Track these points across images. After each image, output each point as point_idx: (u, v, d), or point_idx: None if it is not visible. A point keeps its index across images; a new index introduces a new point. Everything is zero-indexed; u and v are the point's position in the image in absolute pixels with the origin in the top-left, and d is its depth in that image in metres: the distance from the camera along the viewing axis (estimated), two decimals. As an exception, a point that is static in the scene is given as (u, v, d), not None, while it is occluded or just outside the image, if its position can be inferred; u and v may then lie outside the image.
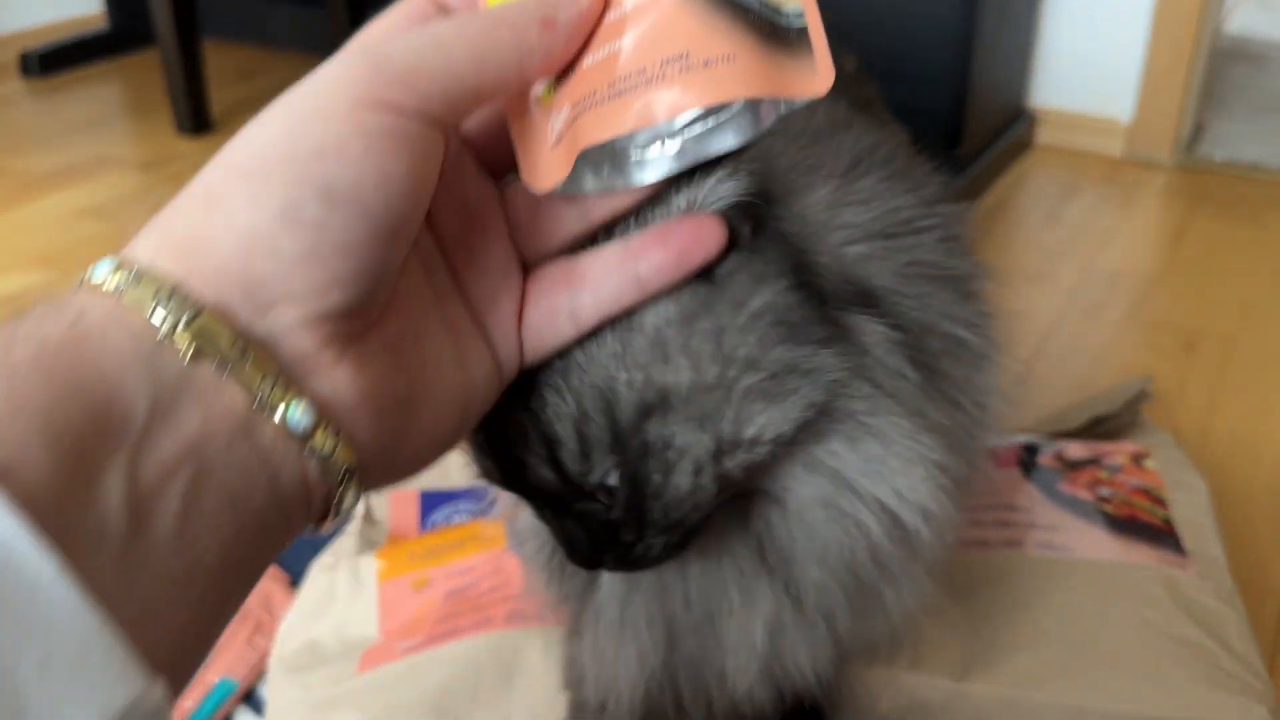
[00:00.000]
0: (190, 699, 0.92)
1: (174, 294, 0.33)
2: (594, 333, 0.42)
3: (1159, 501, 0.97)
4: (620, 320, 0.42)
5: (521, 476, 0.46)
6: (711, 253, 0.40)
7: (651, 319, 0.42)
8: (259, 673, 0.96)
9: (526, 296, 0.42)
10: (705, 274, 0.42)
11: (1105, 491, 0.98)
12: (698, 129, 0.36)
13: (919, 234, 0.52)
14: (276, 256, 0.34)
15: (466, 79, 0.36)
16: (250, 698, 0.94)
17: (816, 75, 0.36)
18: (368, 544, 1.00)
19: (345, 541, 0.99)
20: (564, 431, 0.44)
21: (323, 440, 0.35)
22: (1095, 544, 0.90)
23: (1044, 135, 2.20)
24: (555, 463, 0.45)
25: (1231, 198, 1.98)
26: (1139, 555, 0.89)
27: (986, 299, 0.58)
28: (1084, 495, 0.97)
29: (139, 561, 0.31)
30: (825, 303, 0.45)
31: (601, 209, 0.41)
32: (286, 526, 0.35)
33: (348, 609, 0.89)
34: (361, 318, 0.36)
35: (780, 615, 0.53)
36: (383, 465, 0.37)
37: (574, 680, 0.68)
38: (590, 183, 0.38)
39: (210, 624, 0.34)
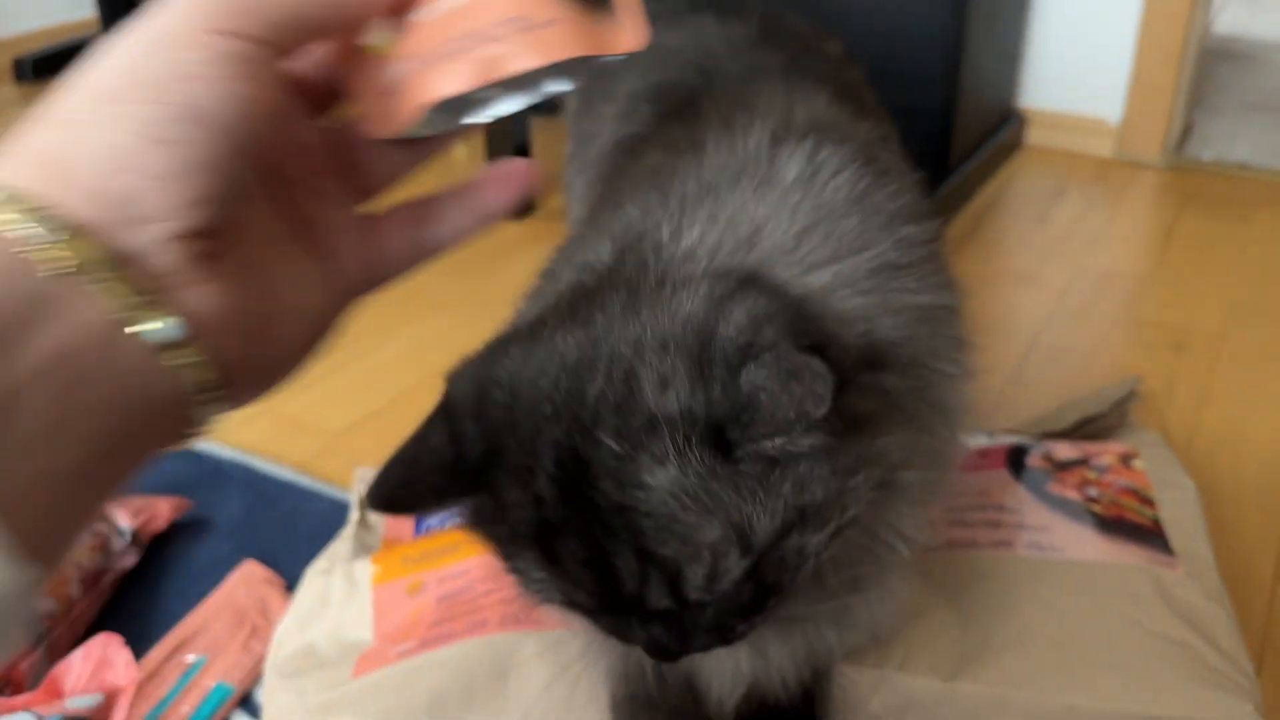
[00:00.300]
0: (188, 704, 0.93)
1: (42, 211, 0.35)
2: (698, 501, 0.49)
3: (1147, 501, 0.98)
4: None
5: (624, 603, 0.51)
6: (527, 189, 0.46)
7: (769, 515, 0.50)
8: (255, 677, 0.96)
9: (378, 229, 0.46)
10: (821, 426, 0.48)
11: (1093, 492, 0.98)
12: (532, 80, 0.42)
13: (902, 275, 0.58)
14: (143, 174, 0.36)
15: (305, 10, 0.39)
16: (247, 702, 0.95)
17: (629, 34, 0.42)
18: (363, 549, 1.00)
19: (340, 546, 1.00)
20: (691, 572, 0.49)
21: (189, 354, 0.37)
22: (1084, 544, 0.91)
23: (1034, 136, 2.21)
24: (676, 593, 0.50)
25: (1220, 197, 1.99)
26: (1127, 555, 0.90)
27: (964, 323, 0.64)
28: (1072, 496, 0.98)
29: (5, 455, 0.33)
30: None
31: (432, 148, 0.46)
32: (154, 436, 0.37)
33: (342, 613, 0.89)
34: (223, 237, 0.38)
35: (764, 636, 0.55)
36: (244, 380, 0.39)
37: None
38: (429, 128, 0.43)
39: (74, 522, 0.36)
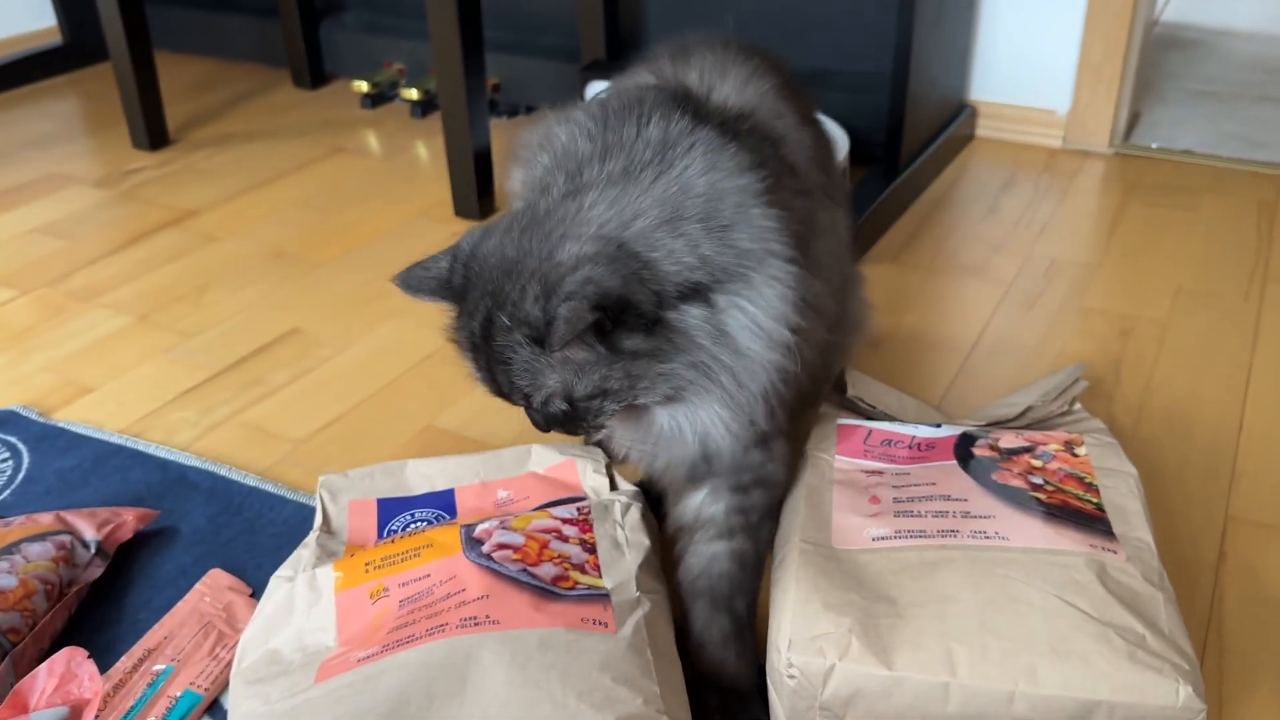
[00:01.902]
0: (154, 713, 0.95)
1: None
2: (535, 368, 0.88)
3: (1090, 488, 1.00)
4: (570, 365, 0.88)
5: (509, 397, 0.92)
6: None
7: (582, 385, 0.89)
8: (222, 684, 0.98)
9: None
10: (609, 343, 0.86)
11: (1038, 479, 1.01)
12: None
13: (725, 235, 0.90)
14: None
15: None
16: (214, 709, 0.97)
17: None
18: (326, 554, 1.02)
19: (303, 553, 1.02)
20: (534, 398, 0.90)
21: None
22: (1028, 532, 0.94)
23: (984, 128, 2.25)
24: (527, 403, 0.91)
25: (1166, 185, 2.03)
26: (1070, 542, 0.92)
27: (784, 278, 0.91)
28: (1018, 484, 1.00)
29: None
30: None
31: None
32: None
33: (306, 620, 0.91)
34: None
35: (623, 427, 0.99)
36: None
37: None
38: None
39: None
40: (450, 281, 0.92)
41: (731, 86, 1.05)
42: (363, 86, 2.46)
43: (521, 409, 0.94)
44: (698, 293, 0.87)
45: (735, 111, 1.01)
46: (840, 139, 1.87)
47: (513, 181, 1.03)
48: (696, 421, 0.93)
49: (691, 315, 0.87)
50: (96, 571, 1.09)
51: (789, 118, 1.06)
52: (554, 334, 0.83)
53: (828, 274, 1.01)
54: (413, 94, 2.40)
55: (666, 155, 0.91)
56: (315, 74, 2.60)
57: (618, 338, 0.85)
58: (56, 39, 2.74)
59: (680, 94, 1.01)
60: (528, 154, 1.01)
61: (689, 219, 0.87)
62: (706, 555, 0.99)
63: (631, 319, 0.85)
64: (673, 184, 0.89)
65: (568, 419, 0.92)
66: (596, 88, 1.95)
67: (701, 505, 1.00)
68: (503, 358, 0.88)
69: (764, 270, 0.89)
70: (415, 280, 0.94)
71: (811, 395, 1.16)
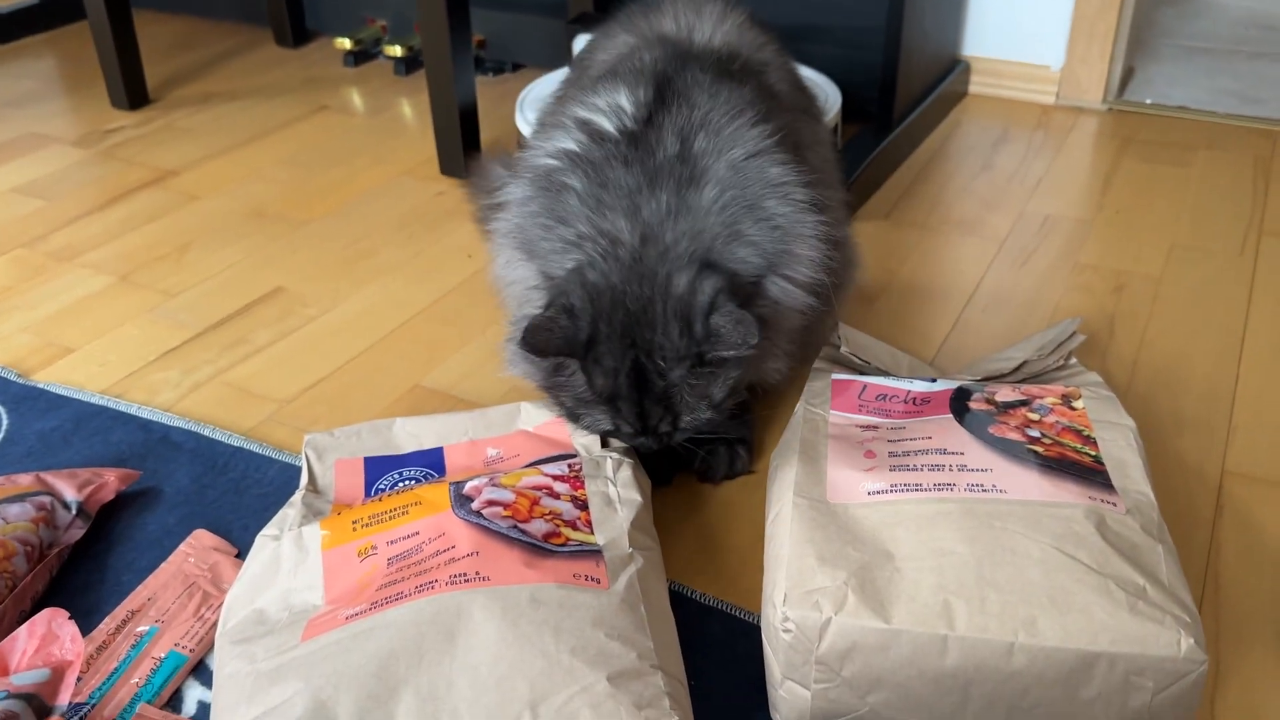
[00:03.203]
0: (139, 674, 0.93)
1: None
2: (694, 388, 1.00)
3: (1088, 440, 0.99)
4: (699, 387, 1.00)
5: (646, 430, 1.02)
6: None
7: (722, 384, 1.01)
8: (208, 645, 0.96)
9: None
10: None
11: (1035, 433, 1.00)
12: None
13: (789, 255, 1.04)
14: None
15: None
16: (199, 670, 0.95)
17: None
18: (313, 513, 1.00)
19: (289, 512, 1.00)
20: (686, 418, 1.01)
21: None
22: (1026, 485, 0.92)
23: (977, 84, 2.22)
24: (675, 424, 1.02)
25: (1160, 140, 2.01)
26: (1069, 494, 0.91)
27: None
28: (1014, 437, 0.99)
29: None
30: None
31: None
32: None
33: (292, 579, 0.89)
34: None
35: None
36: None
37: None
38: None
39: None
40: (577, 337, 0.97)
41: (710, 25, 1.14)
42: (345, 44, 2.43)
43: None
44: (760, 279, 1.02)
45: (721, 50, 1.09)
46: (833, 94, 1.85)
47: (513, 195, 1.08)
48: (754, 373, 1.08)
49: (760, 300, 1.02)
50: (78, 533, 1.07)
51: (768, 48, 1.16)
52: (724, 342, 0.96)
53: (824, 178, 1.13)
54: (396, 51, 2.36)
55: (698, 165, 1.01)
56: (297, 31, 2.56)
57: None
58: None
59: (668, 50, 1.06)
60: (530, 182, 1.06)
61: (742, 220, 1.00)
62: None
63: None
64: (716, 195, 1.00)
65: (703, 428, 1.03)
66: (583, 41, 1.92)
67: None
68: (663, 394, 0.99)
69: (799, 237, 1.02)
70: (542, 342, 0.96)
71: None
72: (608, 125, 1.05)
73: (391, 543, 0.91)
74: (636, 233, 0.99)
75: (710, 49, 1.13)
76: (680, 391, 0.99)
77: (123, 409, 1.29)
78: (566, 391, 1.02)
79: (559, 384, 1.02)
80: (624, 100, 1.06)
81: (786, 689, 0.85)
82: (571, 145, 1.05)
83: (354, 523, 0.94)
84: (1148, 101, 2.15)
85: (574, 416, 1.04)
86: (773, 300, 1.03)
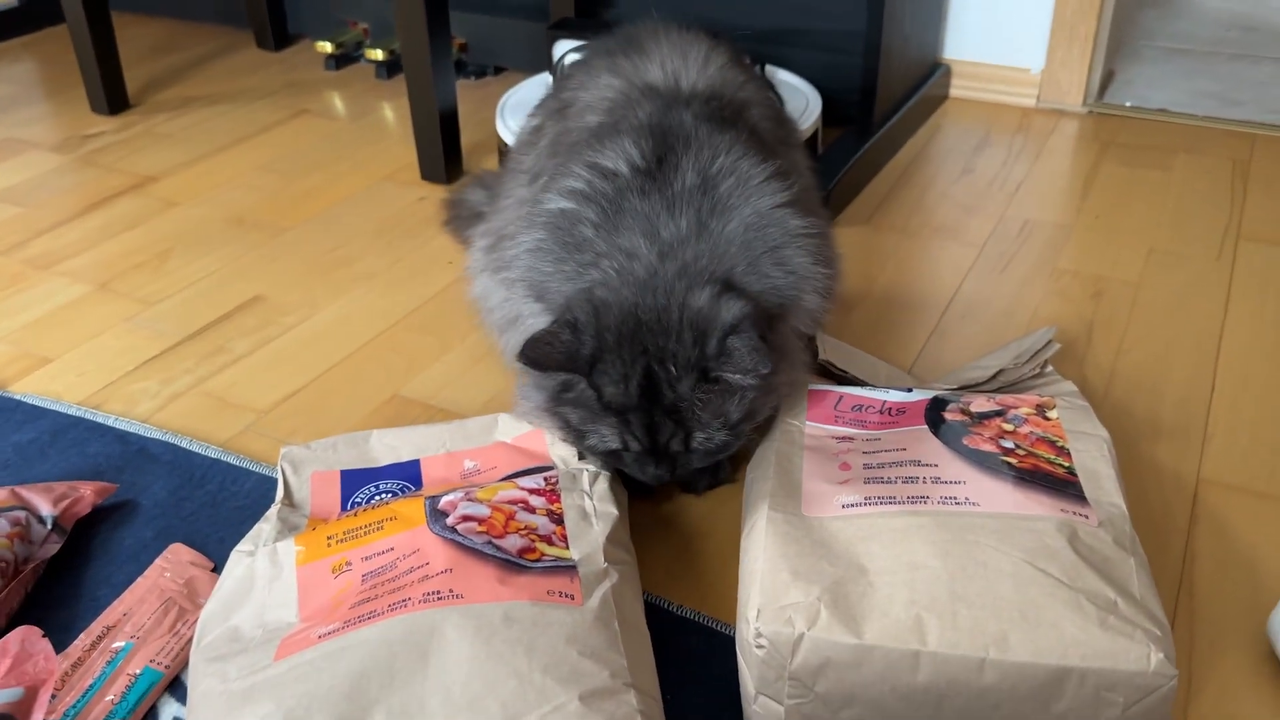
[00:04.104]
0: (114, 691, 0.93)
1: None
2: (706, 404, 0.98)
3: (1062, 451, 1.00)
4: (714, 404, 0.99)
5: (656, 450, 1.01)
6: None
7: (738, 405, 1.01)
8: (184, 661, 0.96)
9: None
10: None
11: (1009, 444, 1.00)
12: None
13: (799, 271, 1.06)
14: None
15: None
16: (174, 686, 0.95)
17: None
18: (288, 528, 1.00)
19: (264, 527, 1.00)
20: (699, 434, 1.00)
21: None
22: (999, 497, 0.93)
23: (958, 88, 2.23)
24: (686, 444, 1.01)
25: (1140, 143, 2.02)
26: (1041, 507, 0.92)
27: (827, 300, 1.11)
28: (989, 448, 0.99)
29: None
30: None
31: None
32: None
33: (267, 595, 0.89)
34: None
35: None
36: None
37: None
38: None
39: None
40: (580, 352, 0.97)
41: (695, 70, 1.18)
42: (327, 47, 2.42)
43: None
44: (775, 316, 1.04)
45: (705, 94, 1.10)
46: (812, 99, 1.85)
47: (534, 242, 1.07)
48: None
49: (777, 333, 1.04)
50: (53, 548, 1.07)
51: (748, 85, 1.19)
52: (734, 364, 0.96)
53: (810, 206, 1.16)
54: (378, 54, 2.36)
55: (723, 201, 1.03)
56: (278, 35, 2.55)
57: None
58: (12, 1, 2.67)
59: (661, 103, 1.13)
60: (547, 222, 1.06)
61: (764, 261, 1.03)
62: None
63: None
64: (740, 230, 1.02)
65: (718, 450, 1.03)
66: (565, 46, 1.92)
67: None
68: (673, 406, 0.98)
69: (810, 290, 1.06)
70: (543, 356, 0.96)
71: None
72: (620, 166, 1.06)
73: (366, 559, 0.91)
74: (654, 250, 1.00)
75: (696, 93, 1.15)
76: (691, 406, 0.98)
77: (100, 420, 1.29)
78: (574, 408, 1.01)
79: (566, 401, 1.01)
80: (631, 148, 1.07)
81: (760, 704, 0.86)
82: (582, 185, 1.05)
83: (329, 538, 0.94)
84: (1128, 104, 2.16)
85: (580, 435, 1.02)
86: (780, 341, 1.05)
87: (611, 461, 1.04)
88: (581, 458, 1.08)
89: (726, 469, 1.18)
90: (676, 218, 1.02)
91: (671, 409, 0.98)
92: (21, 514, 1.06)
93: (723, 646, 0.97)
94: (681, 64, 1.18)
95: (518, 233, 1.10)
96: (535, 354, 0.96)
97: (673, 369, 0.97)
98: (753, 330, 0.96)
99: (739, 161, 1.06)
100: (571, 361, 0.97)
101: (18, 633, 0.89)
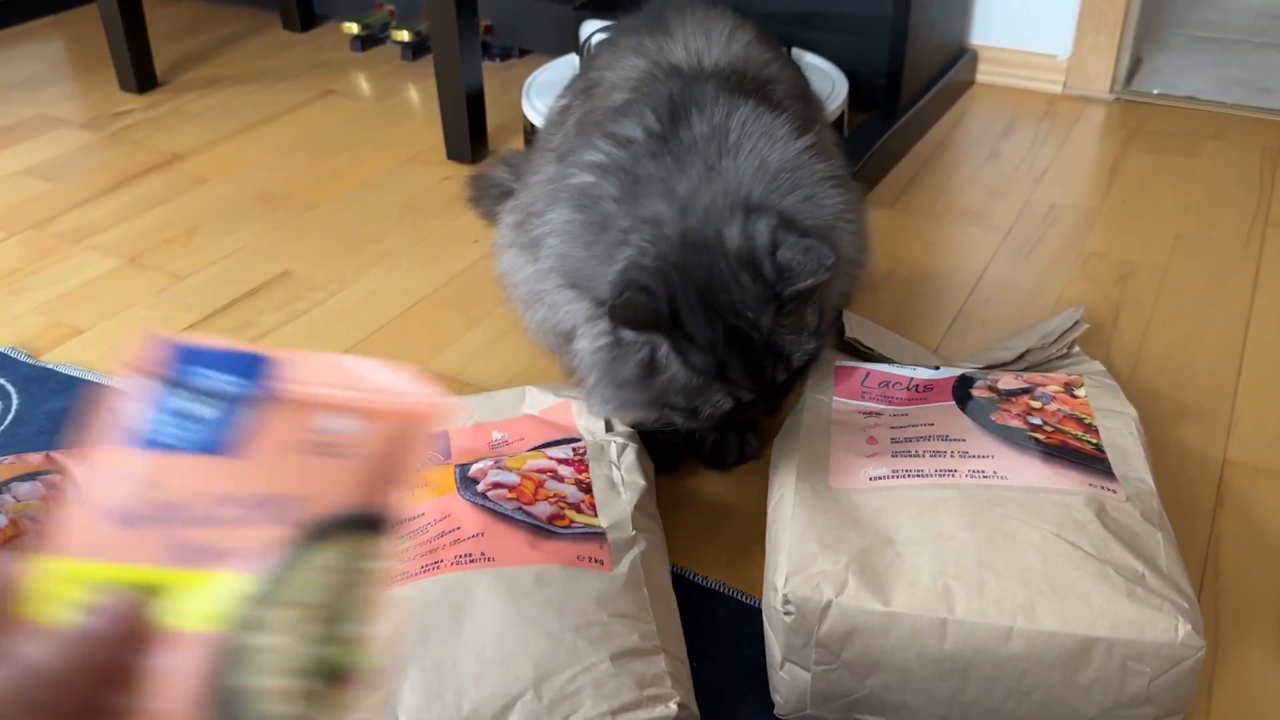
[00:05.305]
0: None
1: None
2: (791, 326, 0.98)
3: (1089, 428, 1.00)
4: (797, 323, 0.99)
5: (763, 387, 0.99)
6: None
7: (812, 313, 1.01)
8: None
9: None
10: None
11: (1037, 420, 1.00)
12: None
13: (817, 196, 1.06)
14: None
15: None
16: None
17: None
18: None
19: (296, 493, 1.01)
20: (796, 354, 0.99)
21: None
22: (1027, 471, 0.93)
23: (984, 73, 2.22)
24: (787, 368, 0.99)
25: (1167, 130, 2.01)
26: (1069, 481, 0.92)
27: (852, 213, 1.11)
28: (1016, 424, 1.00)
29: None
30: None
31: None
32: None
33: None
34: None
35: None
36: None
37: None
38: None
39: None
40: (661, 310, 0.95)
41: (719, 48, 1.17)
42: (353, 28, 2.43)
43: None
44: None
45: (728, 70, 1.10)
46: (839, 82, 1.85)
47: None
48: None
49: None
50: (87, 511, 1.08)
51: (773, 63, 1.18)
52: (798, 274, 0.95)
53: (840, 178, 1.14)
54: (404, 36, 2.36)
55: (733, 141, 1.03)
56: (305, 16, 2.56)
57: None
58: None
59: (683, 80, 1.13)
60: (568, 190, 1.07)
61: (790, 195, 1.02)
62: None
63: None
64: (757, 164, 1.02)
65: (810, 361, 1.02)
66: (591, 26, 1.92)
67: None
68: (765, 344, 0.97)
69: (845, 224, 1.07)
70: (632, 316, 0.95)
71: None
72: (635, 133, 1.06)
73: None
74: (675, 209, 0.99)
75: (719, 70, 1.15)
76: (780, 336, 0.97)
77: (131, 390, 1.30)
78: (673, 393, 0.99)
79: (661, 388, 0.99)
80: (648, 114, 1.07)
81: (787, 671, 0.86)
82: (600, 157, 1.06)
83: (360, 504, 0.95)
84: (1155, 91, 2.15)
85: (693, 414, 1.01)
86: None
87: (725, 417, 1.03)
88: (609, 429, 1.09)
89: (753, 444, 1.19)
90: (687, 170, 1.01)
91: (765, 346, 0.97)
92: (57, 478, 1.08)
93: (748, 617, 0.98)
94: (705, 42, 1.18)
95: (545, 209, 1.10)
96: (627, 313, 0.95)
97: (749, 315, 0.96)
98: (790, 235, 0.96)
99: (756, 111, 1.06)
100: (656, 319, 0.95)
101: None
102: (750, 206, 0.99)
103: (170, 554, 0.50)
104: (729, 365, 0.97)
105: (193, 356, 0.57)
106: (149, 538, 0.50)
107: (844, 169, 1.14)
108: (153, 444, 0.54)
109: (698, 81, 1.12)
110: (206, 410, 0.57)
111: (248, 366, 0.57)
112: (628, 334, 0.97)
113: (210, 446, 0.55)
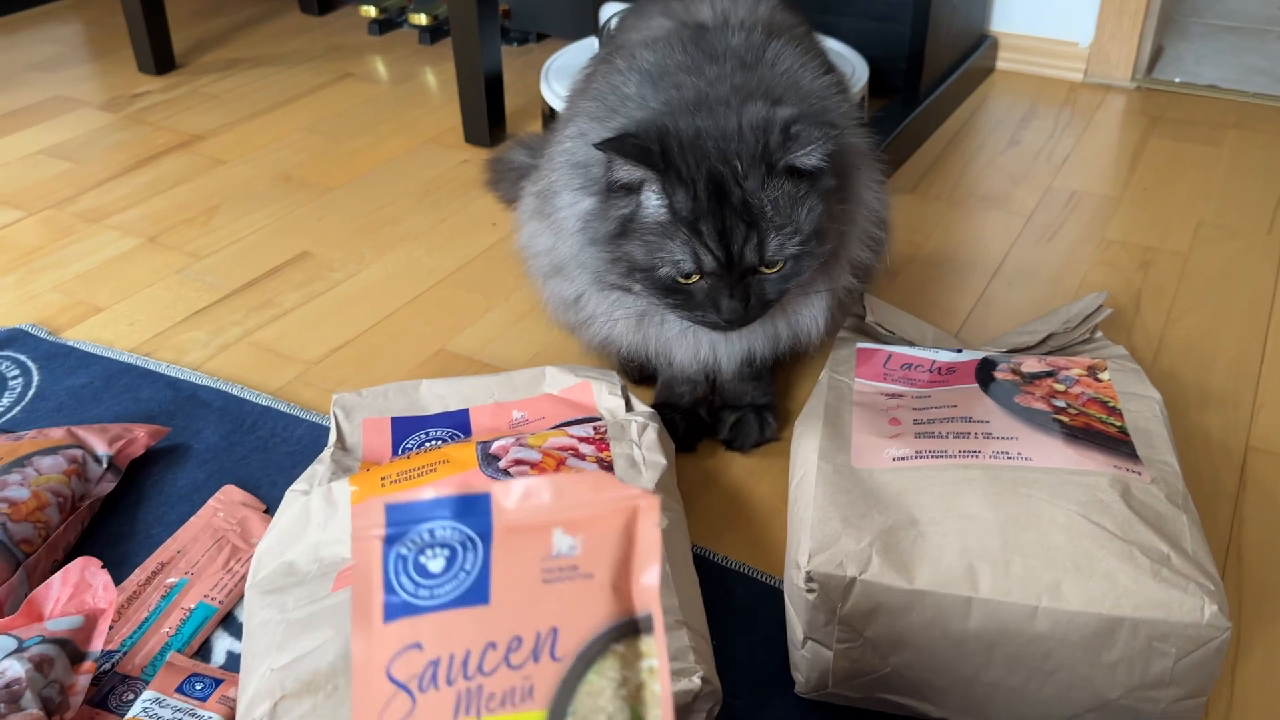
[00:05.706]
0: (169, 624, 0.94)
1: None
2: (777, 205, 0.96)
3: (1113, 411, 0.99)
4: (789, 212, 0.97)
5: (730, 264, 0.96)
6: None
7: (807, 215, 0.98)
8: (236, 597, 0.98)
9: None
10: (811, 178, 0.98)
11: (1061, 403, 1.00)
12: None
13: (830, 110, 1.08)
14: None
15: None
16: (228, 621, 0.96)
17: None
18: (341, 470, 1.01)
19: (318, 468, 1.01)
20: (772, 239, 0.96)
21: None
22: (1051, 453, 0.93)
23: (1005, 60, 2.21)
24: (760, 253, 0.96)
25: (1188, 118, 2.00)
26: (1094, 463, 0.91)
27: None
28: (1040, 406, 0.99)
29: None
30: None
31: None
32: None
33: (322, 532, 0.90)
34: None
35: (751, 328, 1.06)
36: None
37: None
38: None
39: None
40: (651, 149, 0.95)
41: (745, 9, 1.17)
42: (370, 12, 2.43)
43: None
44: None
45: (754, 26, 1.10)
46: (860, 66, 1.84)
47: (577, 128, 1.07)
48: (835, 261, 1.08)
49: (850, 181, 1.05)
50: (109, 486, 1.08)
51: (799, 29, 1.18)
52: (800, 143, 0.94)
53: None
54: (421, 20, 2.36)
55: (769, 61, 1.06)
56: (322, 0, 2.56)
57: (825, 174, 0.99)
58: (60, -38, 2.69)
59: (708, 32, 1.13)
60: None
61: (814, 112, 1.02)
62: None
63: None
64: (786, 78, 1.04)
65: (790, 271, 0.99)
66: (610, 10, 1.92)
67: None
68: (743, 204, 0.95)
69: (871, 170, 1.09)
70: (622, 146, 0.95)
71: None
72: (663, 45, 1.08)
73: (419, 499, 0.92)
74: (700, 83, 1.01)
75: (746, 25, 1.15)
76: (762, 205, 0.95)
77: (151, 367, 1.31)
78: (639, 241, 0.98)
79: (630, 235, 0.99)
80: (673, 40, 1.10)
81: (809, 649, 0.86)
82: (624, 64, 1.08)
83: (383, 479, 0.95)
84: (1176, 80, 2.14)
85: (649, 273, 0.99)
86: (861, 202, 1.07)
87: (684, 306, 1.01)
88: (629, 409, 1.09)
89: (772, 426, 1.18)
90: (720, 64, 1.03)
91: (742, 208, 0.95)
92: (78, 452, 1.08)
93: (769, 597, 0.98)
94: (731, 5, 1.18)
95: (567, 119, 1.13)
96: (617, 143, 0.95)
97: (738, 165, 0.95)
98: (811, 123, 0.96)
99: (789, 44, 1.08)
100: (646, 156, 0.95)
101: (78, 563, 0.91)
102: (776, 100, 1.00)
103: (465, 708, 0.54)
104: (700, 215, 0.95)
105: (407, 513, 0.61)
106: (438, 700, 0.53)
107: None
108: (403, 611, 0.56)
109: (724, 31, 1.14)
110: (439, 563, 0.58)
111: (462, 508, 0.58)
112: (620, 173, 0.97)
113: (459, 600, 0.56)
